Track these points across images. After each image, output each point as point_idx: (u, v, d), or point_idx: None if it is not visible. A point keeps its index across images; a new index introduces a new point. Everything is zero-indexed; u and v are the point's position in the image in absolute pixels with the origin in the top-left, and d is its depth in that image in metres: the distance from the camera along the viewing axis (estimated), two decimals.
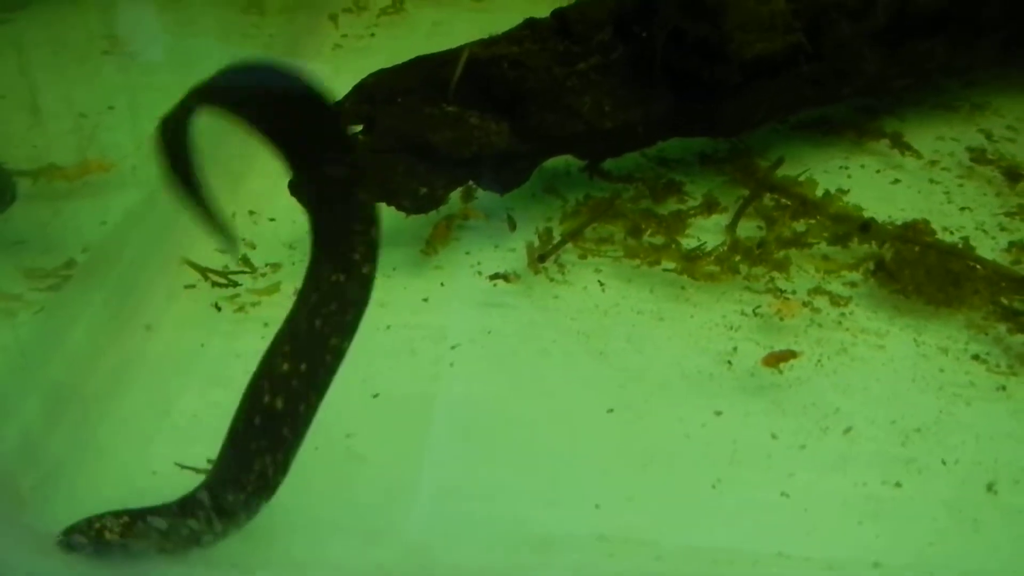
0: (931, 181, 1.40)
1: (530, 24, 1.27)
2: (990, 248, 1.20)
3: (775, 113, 1.40)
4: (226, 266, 1.05)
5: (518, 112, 1.18)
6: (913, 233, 1.20)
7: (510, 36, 1.25)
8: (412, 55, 1.75)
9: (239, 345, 0.93)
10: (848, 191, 1.34)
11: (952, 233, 1.24)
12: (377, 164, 1.09)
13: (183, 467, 0.77)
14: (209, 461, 0.77)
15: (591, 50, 1.26)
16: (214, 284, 1.01)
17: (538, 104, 1.19)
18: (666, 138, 1.35)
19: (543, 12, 2.17)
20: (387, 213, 1.11)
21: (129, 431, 0.81)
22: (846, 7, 1.39)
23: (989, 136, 1.55)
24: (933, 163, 1.45)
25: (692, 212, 1.26)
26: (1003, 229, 1.26)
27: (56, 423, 0.80)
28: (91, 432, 0.81)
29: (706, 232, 1.22)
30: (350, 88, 1.17)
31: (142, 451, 0.80)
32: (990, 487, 0.81)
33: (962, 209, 1.31)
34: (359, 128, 1.11)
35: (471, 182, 1.20)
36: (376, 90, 1.12)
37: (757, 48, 1.26)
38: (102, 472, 0.79)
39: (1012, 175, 1.39)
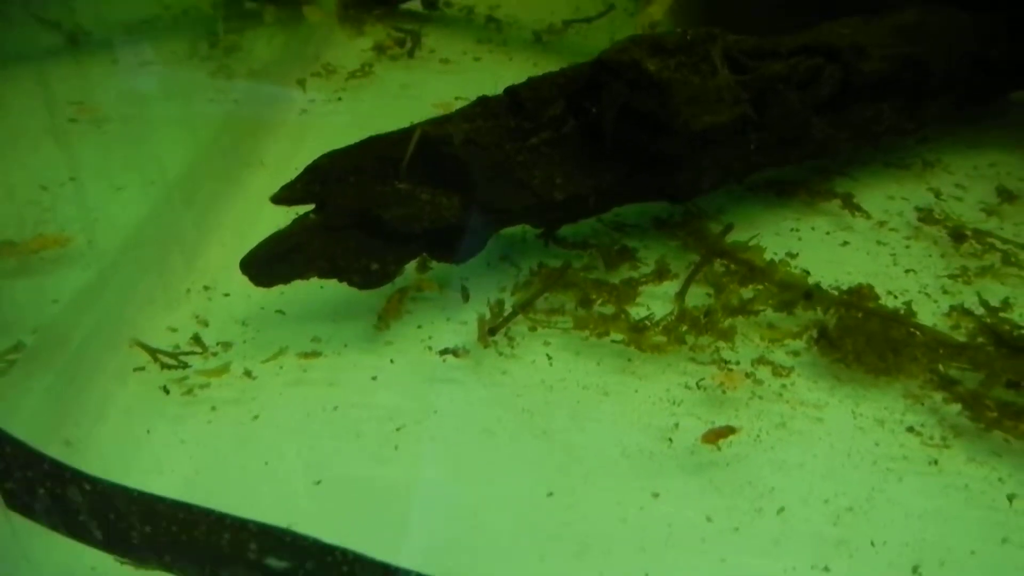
0: (879, 242, 1.43)
1: (482, 102, 1.30)
2: (931, 312, 1.23)
3: (725, 179, 1.44)
4: (177, 346, 1.06)
5: (469, 187, 1.21)
6: (857, 299, 1.23)
7: (463, 113, 1.28)
8: (378, 118, 1.79)
9: (184, 430, 0.94)
10: (797, 255, 1.38)
11: (896, 297, 1.27)
12: (328, 242, 1.11)
13: (122, 562, 0.77)
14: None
15: (542, 125, 1.30)
16: (164, 366, 1.02)
17: (488, 179, 1.22)
18: (618, 205, 1.38)
19: (508, 72, 2.24)
20: (340, 288, 1.14)
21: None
22: (792, 78, 1.43)
23: (938, 194, 1.60)
24: (882, 224, 1.49)
25: (644, 280, 1.28)
26: (945, 292, 1.29)
27: None
28: (32, 527, 0.81)
29: (657, 300, 1.24)
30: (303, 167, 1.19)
31: (81, 545, 0.80)
32: (915, 569, 0.82)
33: (907, 271, 1.35)
34: (311, 207, 1.14)
35: (425, 254, 1.23)
36: (328, 170, 1.15)
37: (705, 121, 1.30)
38: (43, 568, 0.79)
39: (957, 235, 1.43)
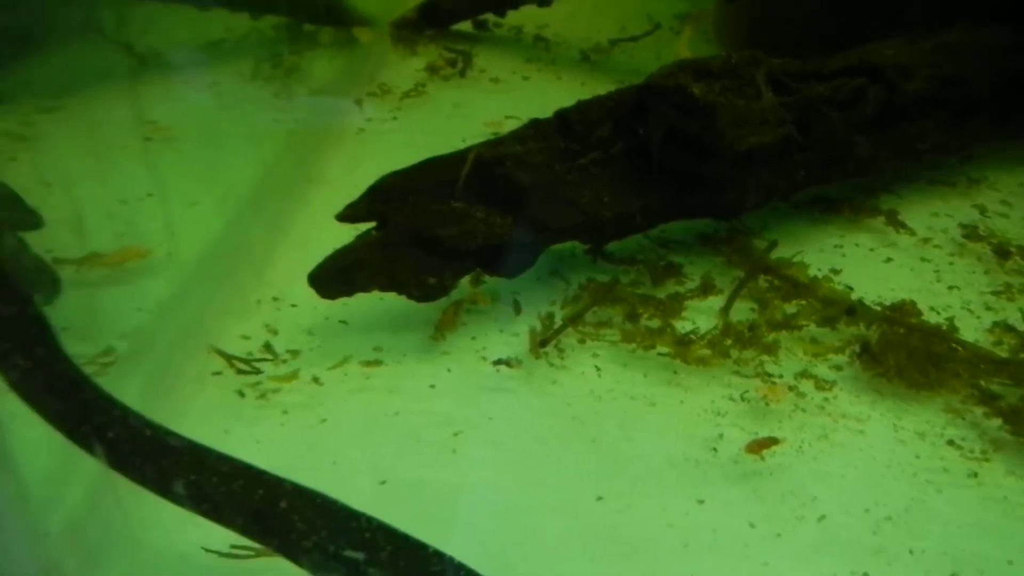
0: (922, 259, 1.45)
1: (534, 124, 1.37)
2: (974, 328, 1.25)
3: (769, 198, 1.48)
4: (250, 353, 1.14)
5: (521, 206, 1.27)
6: (899, 314, 1.26)
7: (515, 135, 1.35)
8: (431, 136, 1.87)
9: (259, 431, 1.02)
10: (841, 271, 1.41)
11: (939, 313, 1.29)
12: (388, 257, 1.18)
13: (208, 551, 0.85)
14: (232, 546, 0.85)
15: (591, 146, 1.35)
16: (239, 371, 1.10)
17: (539, 198, 1.27)
18: (665, 223, 1.43)
19: (557, 91, 2.30)
20: (399, 300, 1.21)
21: (160, 516, 0.90)
22: (835, 99, 1.47)
23: (983, 211, 1.61)
24: (926, 240, 1.51)
25: (689, 295, 1.33)
26: (988, 308, 1.31)
27: (96, 509, 0.89)
28: (126, 518, 0.89)
29: (701, 314, 1.28)
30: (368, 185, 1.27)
31: (172, 536, 0.88)
32: None
33: (950, 288, 1.37)
34: (373, 225, 1.21)
35: (479, 269, 1.29)
36: (388, 190, 1.22)
37: (749, 142, 1.35)
38: (136, 556, 0.87)
39: (1002, 252, 1.45)
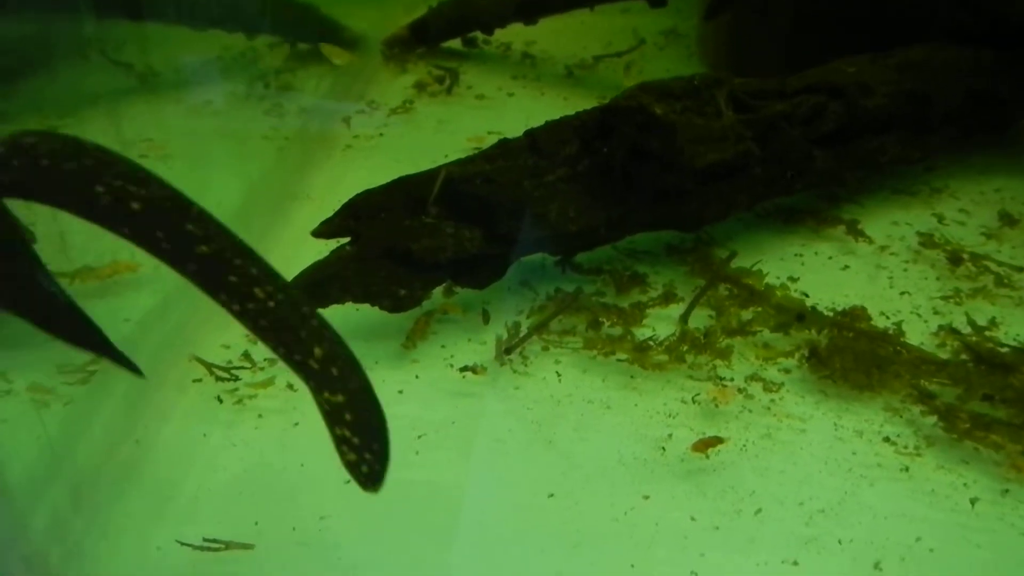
0: (878, 266, 1.52)
1: (503, 144, 1.44)
2: (921, 332, 1.31)
3: (731, 210, 1.54)
4: (230, 361, 1.21)
5: (489, 220, 1.34)
6: (849, 320, 1.32)
7: (484, 154, 1.42)
8: (416, 153, 1.94)
9: (235, 434, 1.09)
10: (799, 279, 1.48)
11: (888, 318, 1.35)
12: (361, 271, 1.25)
13: (182, 544, 0.92)
14: (205, 540, 0.92)
15: (559, 163, 1.42)
16: (218, 378, 1.17)
17: (507, 213, 1.34)
18: (630, 235, 1.50)
19: (540, 107, 2.37)
20: (373, 311, 1.27)
21: (139, 512, 0.97)
22: (795, 116, 1.54)
23: (941, 220, 1.67)
24: (883, 248, 1.57)
25: (651, 303, 1.39)
26: (936, 312, 1.37)
27: (80, 505, 0.96)
28: (108, 513, 0.96)
29: (662, 322, 1.35)
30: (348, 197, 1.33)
31: (149, 530, 0.95)
32: (877, 565, 0.92)
33: (902, 294, 1.43)
34: (347, 240, 1.28)
35: (450, 281, 1.36)
36: (362, 207, 1.29)
37: (709, 158, 1.41)
38: (117, 549, 0.94)
39: (955, 259, 1.51)
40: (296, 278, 1.23)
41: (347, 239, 1.29)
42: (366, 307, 1.27)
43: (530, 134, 1.46)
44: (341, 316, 1.28)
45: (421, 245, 1.28)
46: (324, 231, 1.27)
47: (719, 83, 1.55)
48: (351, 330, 1.30)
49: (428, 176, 1.37)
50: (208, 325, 1.27)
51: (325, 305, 1.24)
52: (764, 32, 2.28)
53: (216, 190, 1.69)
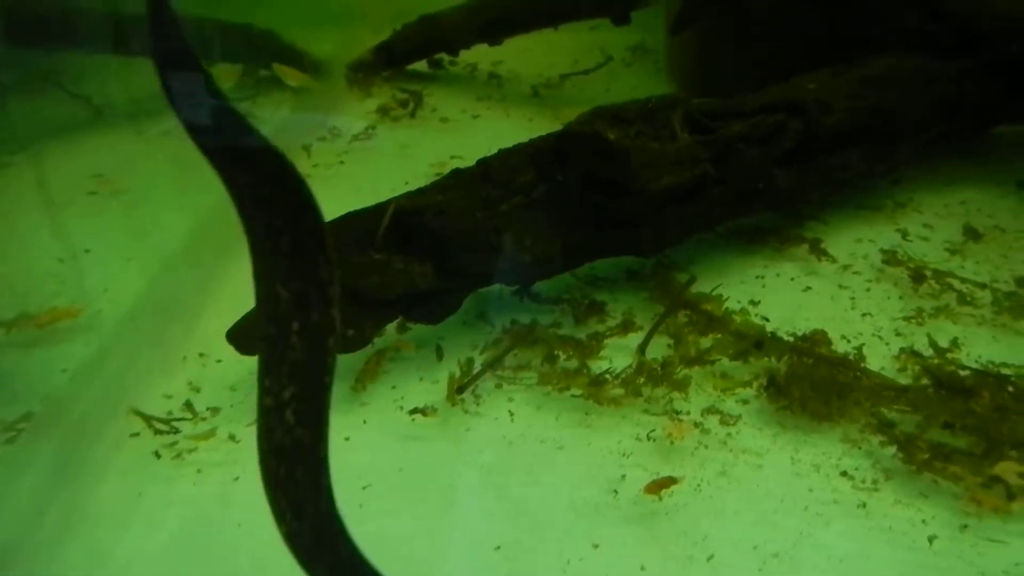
0: (841, 287, 1.49)
1: (455, 173, 1.41)
2: (882, 355, 1.29)
3: (690, 232, 1.52)
4: (171, 412, 1.17)
5: (441, 254, 1.30)
6: (809, 345, 1.29)
7: (436, 185, 1.39)
8: (377, 181, 1.91)
9: (173, 492, 1.05)
10: (760, 302, 1.45)
11: (849, 341, 1.33)
12: None
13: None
14: None
15: (513, 191, 1.40)
16: (156, 432, 1.13)
17: (460, 245, 1.31)
18: (587, 262, 1.47)
19: (504, 128, 2.34)
20: None
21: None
22: (753, 136, 1.51)
23: (905, 235, 1.65)
24: (846, 267, 1.55)
25: (609, 333, 1.36)
26: (898, 334, 1.35)
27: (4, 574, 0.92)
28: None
29: (620, 352, 1.32)
30: None
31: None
32: None
33: (864, 315, 1.40)
34: None
35: (403, 317, 1.33)
36: None
37: (664, 182, 1.39)
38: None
39: (918, 276, 1.48)
40: (239, 321, 1.20)
41: None
42: None
43: (483, 163, 1.43)
44: None
45: (369, 282, 1.25)
46: None
47: (675, 105, 1.53)
48: None
49: (377, 210, 1.34)
50: (152, 373, 1.23)
51: None
52: (731, 46, 2.27)
53: (166, 226, 1.66)
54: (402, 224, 1.31)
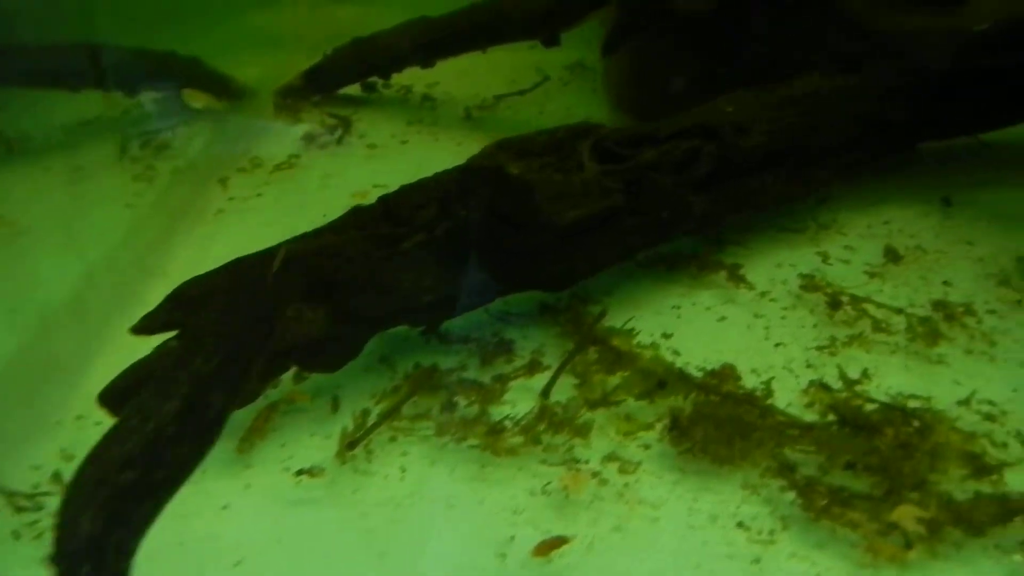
0: (756, 315, 1.46)
1: (355, 211, 1.36)
2: (791, 389, 1.26)
3: (603, 264, 1.48)
4: (36, 485, 1.10)
5: (336, 298, 1.25)
6: (718, 381, 1.26)
7: (332, 225, 1.34)
8: (294, 214, 1.85)
9: None
10: (672, 335, 1.41)
11: (759, 375, 1.29)
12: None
13: None
14: None
15: (415, 229, 1.35)
16: (18, 508, 1.06)
17: (355, 289, 1.26)
18: (495, 299, 1.43)
19: (433, 154, 2.30)
20: None
21: None
22: (666, 163, 1.48)
23: (825, 259, 1.63)
24: (764, 294, 1.52)
25: (515, 374, 1.32)
26: (809, 366, 1.31)
27: None
28: None
29: (525, 395, 1.27)
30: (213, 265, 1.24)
31: None
32: None
33: (776, 346, 1.37)
34: (172, 335, 1.18)
35: (296, 367, 1.27)
36: (190, 296, 1.20)
37: (570, 215, 1.35)
38: None
39: (834, 302, 1.45)
40: (112, 381, 1.13)
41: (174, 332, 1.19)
42: None
43: (384, 200, 1.38)
44: None
45: (257, 332, 1.18)
46: (146, 326, 1.18)
47: (585, 134, 1.49)
48: None
49: (268, 255, 1.28)
50: (21, 441, 1.16)
51: None
52: (664, 66, 2.25)
53: (58, 271, 1.58)
54: (294, 268, 1.26)
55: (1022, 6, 1.86)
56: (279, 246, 1.29)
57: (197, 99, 2.31)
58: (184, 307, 1.20)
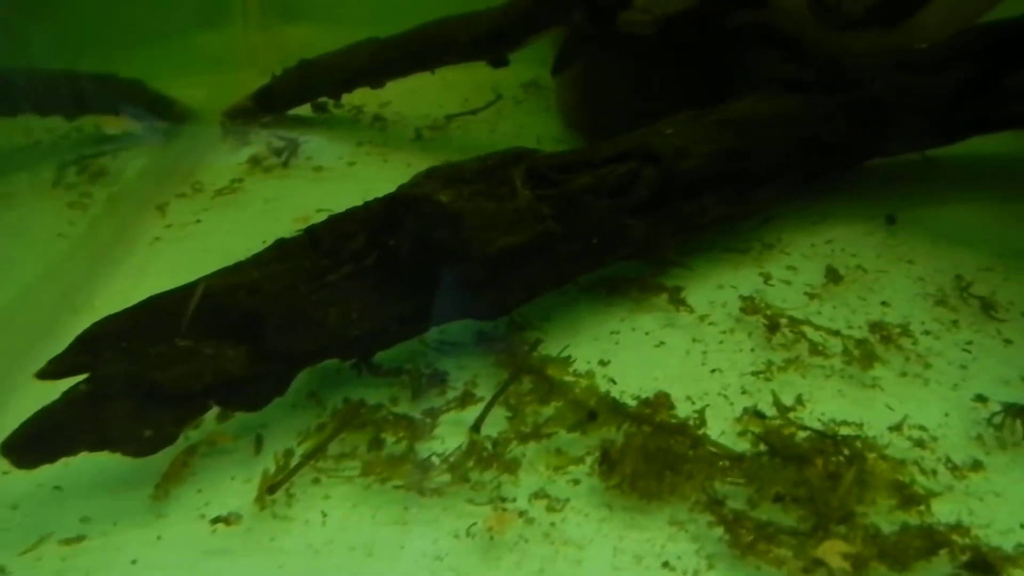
0: (695, 340, 1.44)
1: (279, 244, 1.32)
2: (725, 417, 1.24)
3: (538, 291, 1.45)
4: None
5: (258, 335, 1.21)
6: (651, 410, 1.23)
7: (256, 259, 1.30)
8: (233, 242, 1.80)
9: None
10: (610, 362, 1.39)
11: (693, 403, 1.27)
12: (97, 413, 1.10)
13: None
14: None
15: (343, 260, 1.31)
16: None
17: (278, 324, 1.22)
18: (425, 331, 1.39)
19: (381, 176, 2.26)
20: (117, 458, 1.12)
21: None
22: (603, 187, 1.46)
23: (767, 279, 1.62)
24: (703, 318, 1.50)
25: (447, 407, 1.28)
26: (744, 392, 1.30)
27: None
28: None
29: (456, 429, 1.24)
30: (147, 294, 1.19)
31: None
32: None
33: (713, 371, 1.35)
34: (82, 378, 1.13)
35: (218, 406, 1.22)
36: (100, 338, 1.15)
37: (500, 244, 1.32)
38: None
39: (772, 325, 1.44)
40: (16, 431, 1.08)
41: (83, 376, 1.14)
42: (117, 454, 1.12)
43: (311, 231, 1.35)
44: (89, 464, 1.13)
45: (169, 375, 1.14)
46: (52, 371, 1.12)
47: (517, 160, 1.47)
48: (95, 481, 1.15)
49: (185, 293, 1.23)
50: None
51: (54, 459, 1.09)
52: (614, 84, 2.25)
53: None
54: (213, 305, 1.22)
55: (964, 23, 1.88)
56: (197, 282, 1.25)
57: (111, 125, 2.26)
58: (93, 350, 1.15)
